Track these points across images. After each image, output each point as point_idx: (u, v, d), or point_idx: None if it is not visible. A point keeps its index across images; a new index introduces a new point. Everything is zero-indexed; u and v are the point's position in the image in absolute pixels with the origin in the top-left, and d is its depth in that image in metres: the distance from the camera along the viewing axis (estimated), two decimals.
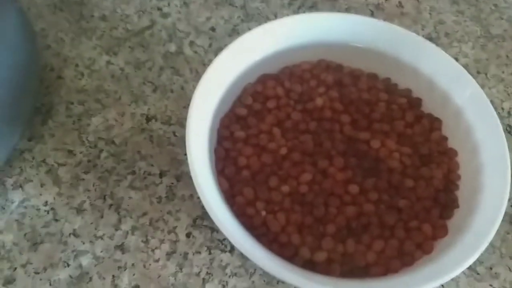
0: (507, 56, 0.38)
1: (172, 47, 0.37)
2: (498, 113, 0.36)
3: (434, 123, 0.28)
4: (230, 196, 0.24)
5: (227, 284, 0.27)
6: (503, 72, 0.38)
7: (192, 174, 0.22)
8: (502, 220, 0.31)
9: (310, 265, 0.22)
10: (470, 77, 0.27)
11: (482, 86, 0.37)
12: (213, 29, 0.38)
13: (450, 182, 0.25)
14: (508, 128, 0.35)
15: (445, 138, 0.27)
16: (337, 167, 0.25)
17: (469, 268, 0.29)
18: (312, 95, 0.28)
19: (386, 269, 0.22)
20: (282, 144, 0.26)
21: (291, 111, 0.28)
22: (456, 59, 0.38)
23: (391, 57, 0.29)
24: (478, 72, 0.37)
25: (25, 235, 0.29)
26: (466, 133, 0.26)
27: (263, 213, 0.24)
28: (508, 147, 0.34)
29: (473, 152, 0.25)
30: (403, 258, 0.23)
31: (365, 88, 0.28)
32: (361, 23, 0.28)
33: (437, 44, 0.39)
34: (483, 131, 0.26)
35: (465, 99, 0.27)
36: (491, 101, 0.36)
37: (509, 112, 0.36)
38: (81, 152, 0.32)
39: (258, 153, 0.26)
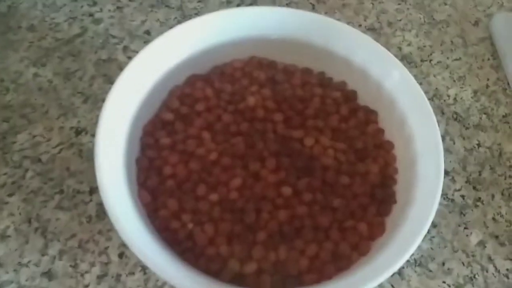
0: (452, 42, 0.38)
1: (105, 54, 0.35)
2: (444, 101, 0.35)
3: (370, 115, 0.27)
4: (153, 210, 0.22)
5: None
6: (447, 58, 0.37)
7: (100, 190, 0.20)
8: (452, 212, 0.31)
9: (239, 279, 0.21)
10: (400, 64, 0.26)
11: (427, 74, 0.36)
12: (148, 32, 0.36)
13: (387, 176, 0.24)
14: (454, 115, 0.34)
15: (381, 131, 0.26)
16: (269, 168, 0.24)
17: (420, 265, 0.28)
18: (244, 95, 0.26)
19: (320, 275, 0.21)
20: (212, 148, 0.24)
21: (221, 113, 0.26)
22: (400, 48, 0.37)
23: (324, 50, 0.27)
24: (422, 60, 0.36)
25: None
26: (401, 124, 0.25)
27: (190, 225, 0.22)
28: (453, 134, 0.33)
29: (408, 143, 0.24)
30: (339, 262, 0.21)
31: (299, 84, 0.27)
32: (289, 16, 0.27)
33: (379, 34, 0.38)
34: (416, 119, 0.24)
35: (396, 87, 0.26)
36: (436, 89, 0.36)
37: (455, 99, 0.35)
38: (5, 173, 0.29)
39: (186, 160, 0.24)
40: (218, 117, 0.26)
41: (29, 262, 0.27)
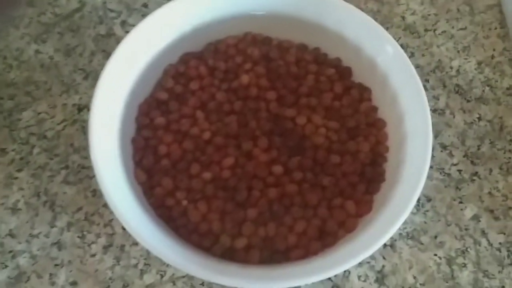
0: (458, 10, 0.36)
1: (103, 29, 0.35)
2: (446, 73, 0.34)
3: (364, 93, 0.26)
4: (148, 189, 0.23)
5: (165, 274, 0.27)
6: (453, 28, 0.35)
7: (95, 169, 0.21)
8: (448, 186, 0.31)
9: (229, 253, 0.22)
10: (393, 39, 0.25)
11: (430, 45, 0.35)
12: (145, 5, 0.36)
13: (377, 155, 0.24)
14: (456, 88, 0.34)
15: (374, 109, 0.26)
16: (262, 148, 0.24)
17: (412, 238, 0.29)
18: (238, 73, 0.27)
19: (306, 251, 0.22)
20: (206, 128, 0.25)
21: (215, 92, 0.26)
22: (403, 18, 0.36)
23: (317, 25, 0.27)
24: (426, 30, 0.35)
25: None
26: (393, 101, 0.25)
27: (184, 202, 0.23)
28: (454, 107, 0.33)
29: (399, 121, 0.24)
30: (325, 239, 0.22)
31: (293, 61, 0.27)
32: None
33: (382, 3, 0.36)
34: (408, 97, 0.24)
35: (389, 63, 0.25)
36: (439, 60, 0.35)
37: (458, 71, 0.34)
38: (13, 150, 0.31)
39: (180, 139, 0.25)
40: (212, 95, 0.26)
41: (39, 233, 0.28)
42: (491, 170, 0.31)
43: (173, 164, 0.24)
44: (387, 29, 0.35)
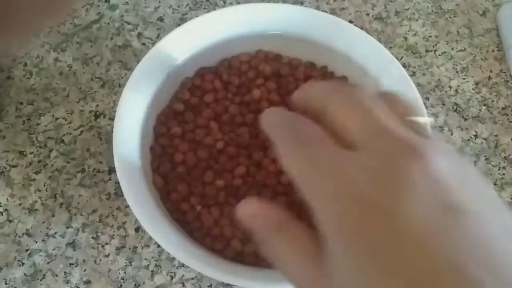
0: (458, 32, 0.38)
1: (120, 41, 0.37)
2: (445, 92, 0.36)
3: None
4: (165, 193, 0.25)
5: (175, 275, 0.29)
6: (452, 49, 0.37)
7: (118, 174, 0.22)
8: None
9: (240, 257, 0.23)
10: (397, 62, 0.27)
11: (430, 65, 0.37)
12: (161, 19, 0.38)
13: None
14: (454, 106, 0.35)
15: None
16: (271, 158, 0.26)
17: None
18: (250, 87, 0.28)
19: None
20: (219, 138, 0.27)
21: (228, 104, 0.28)
22: (405, 38, 0.38)
23: (325, 46, 0.29)
24: (427, 50, 0.37)
25: None
26: None
27: (198, 207, 0.25)
28: (452, 125, 0.35)
29: None
30: None
31: (302, 78, 0.29)
32: (294, 12, 0.28)
33: (386, 24, 0.39)
34: None
35: (393, 84, 0.27)
36: (439, 80, 0.37)
37: (456, 90, 0.36)
38: (31, 153, 0.32)
39: (195, 148, 0.26)
40: (225, 108, 0.28)
41: (55, 233, 0.30)
42: None
43: (188, 171, 0.26)
44: (390, 48, 0.37)
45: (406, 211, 0.13)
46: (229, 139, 0.27)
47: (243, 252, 0.24)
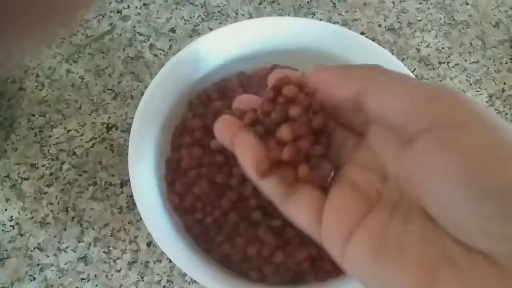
0: (471, 44, 0.38)
1: (132, 52, 0.37)
2: None
3: None
4: (180, 210, 0.25)
5: None
6: (465, 61, 0.37)
7: (134, 191, 0.22)
8: None
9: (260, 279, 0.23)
10: (412, 75, 0.27)
11: (444, 77, 0.37)
12: (173, 30, 0.38)
13: None
14: None
15: None
16: None
17: None
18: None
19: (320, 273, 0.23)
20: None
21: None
22: (418, 50, 0.38)
23: (342, 59, 0.28)
24: (440, 62, 0.37)
25: None
26: None
27: (211, 222, 0.24)
28: None
29: None
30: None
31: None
32: (309, 26, 0.28)
33: (399, 35, 0.38)
34: None
35: None
36: None
37: None
38: (43, 165, 0.32)
39: (212, 171, 0.26)
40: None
41: (67, 247, 0.30)
42: None
43: (204, 191, 0.25)
44: (402, 60, 0.37)
45: None
46: None
47: (262, 274, 0.23)
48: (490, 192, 0.13)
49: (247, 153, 0.17)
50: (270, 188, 0.17)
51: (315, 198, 0.16)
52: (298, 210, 0.16)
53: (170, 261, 0.29)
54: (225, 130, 0.18)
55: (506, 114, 0.35)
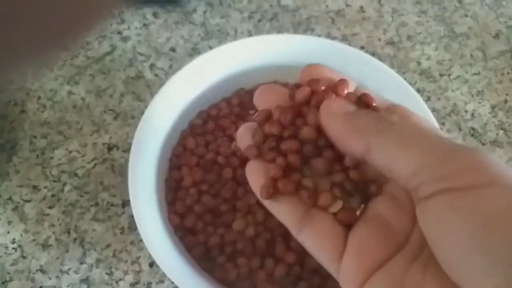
0: (472, 55, 0.38)
1: (133, 72, 0.37)
2: (461, 116, 0.35)
3: None
4: (182, 230, 0.25)
5: None
6: (466, 73, 0.37)
7: (134, 212, 0.22)
8: None
9: None
10: (413, 91, 0.27)
11: (445, 89, 0.36)
12: (173, 49, 0.38)
13: None
14: (471, 131, 0.35)
15: None
16: None
17: None
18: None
19: None
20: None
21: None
22: (418, 63, 0.37)
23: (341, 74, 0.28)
24: (441, 75, 0.37)
25: None
26: None
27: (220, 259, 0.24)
28: None
29: None
30: None
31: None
32: (308, 43, 0.28)
33: (399, 49, 0.38)
34: None
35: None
36: (454, 104, 0.36)
37: (472, 114, 0.35)
38: (45, 187, 0.32)
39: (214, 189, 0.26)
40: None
41: (69, 269, 0.29)
42: None
43: (204, 210, 0.25)
44: (403, 73, 0.37)
45: None
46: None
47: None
48: (503, 264, 0.12)
49: (255, 180, 0.16)
50: (283, 212, 0.16)
51: (336, 231, 0.15)
52: (315, 242, 0.15)
53: (173, 282, 0.29)
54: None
55: (510, 125, 0.35)
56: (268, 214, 0.25)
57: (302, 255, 0.23)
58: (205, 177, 0.26)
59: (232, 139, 0.28)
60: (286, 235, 0.24)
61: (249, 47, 0.28)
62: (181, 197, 0.26)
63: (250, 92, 0.30)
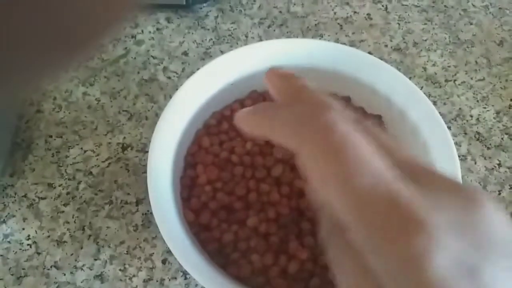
0: (476, 62, 0.39)
1: (146, 74, 0.38)
2: (467, 121, 0.36)
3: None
4: (197, 226, 0.25)
5: None
6: (471, 79, 0.38)
7: (152, 206, 0.23)
8: None
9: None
10: (422, 94, 0.28)
11: (451, 94, 0.37)
12: (185, 53, 0.39)
13: None
14: (476, 136, 0.36)
15: None
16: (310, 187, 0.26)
17: None
18: None
19: None
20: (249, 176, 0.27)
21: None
22: (424, 69, 0.38)
23: (351, 78, 0.29)
24: (447, 80, 0.38)
25: (9, 269, 0.30)
26: (424, 151, 0.27)
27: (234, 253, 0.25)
28: (475, 154, 0.35)
29: None
30: None
31: None
32: (319, 47, 0.29)
33: (405, 55, 0.39)
34: (437, 148, 0.26)
35: (420, 117, 0.27)
36: (460, 109, 0.37)
37: (477, 119, 0.36)
38: (60, 185, 0.33)
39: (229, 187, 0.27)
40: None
41: (83, 265, 0.30)
42: (511, 215, 0.33)
43: (219, 206, 0.26)
44: (410, 78, 0.37)
45: None
46: (263, 175, 0.27)
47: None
48: None
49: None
50: None
51: None
52: None
53: (185, 278, 0.29)
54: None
55: None
56: (280, 212, 0.25)
57: (315, 251, 0.24)
58: (219, 175, 0.27)
59: (245, 138, 0.28)
60: (299, 232, 0.25)
61: (261, 50, 0.29)
62: (196, 194, 0.26)
63: (263, 94, 0.31)
